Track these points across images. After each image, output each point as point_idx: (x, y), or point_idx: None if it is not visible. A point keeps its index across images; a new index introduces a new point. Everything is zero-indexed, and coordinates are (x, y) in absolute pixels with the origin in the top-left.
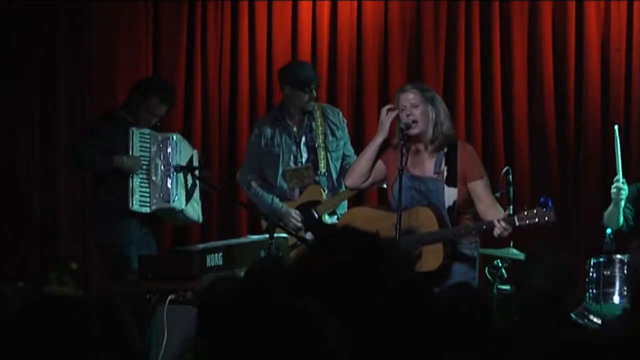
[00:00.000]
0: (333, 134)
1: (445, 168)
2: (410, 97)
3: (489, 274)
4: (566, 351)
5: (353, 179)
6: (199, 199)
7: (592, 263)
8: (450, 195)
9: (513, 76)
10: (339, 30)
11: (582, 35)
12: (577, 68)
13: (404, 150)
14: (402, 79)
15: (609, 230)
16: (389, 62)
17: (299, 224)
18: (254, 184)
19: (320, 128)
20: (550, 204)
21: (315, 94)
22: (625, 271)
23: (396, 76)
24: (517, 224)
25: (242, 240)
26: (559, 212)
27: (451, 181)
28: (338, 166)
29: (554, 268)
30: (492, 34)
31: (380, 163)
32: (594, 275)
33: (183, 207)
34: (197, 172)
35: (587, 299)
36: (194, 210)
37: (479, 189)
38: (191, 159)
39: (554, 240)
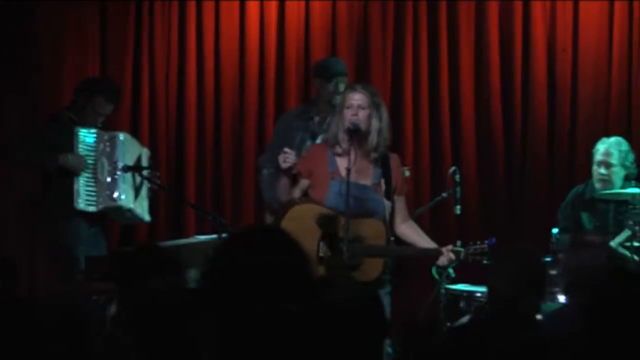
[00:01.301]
0: None
1: (383, 181)
2: (359, 97)
3: (436, 273)
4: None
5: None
6: (146, 197)
7: None
8: (388, 207)
9: (460, 76)
10: (286, 30)
11: (529, 35)
12: (523, 68)
13: (352, 150)
14: (350, 80)
15: (555, 230)
16: None
17: None
18: (265, 172)
19: None
20: (494, 244)
21: (341, 88)
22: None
23: None
24: (462, 257)
25: (190, 240)
26: (506, 212)
27: (388, 195)
28: None
29: (515, 269)
30: (439, 34)
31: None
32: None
33: (131, 205)
34: (144, 172)
35: None
36: (142, 209)
37: (402, 203)
38: (139, 157)
39: (502, 239)
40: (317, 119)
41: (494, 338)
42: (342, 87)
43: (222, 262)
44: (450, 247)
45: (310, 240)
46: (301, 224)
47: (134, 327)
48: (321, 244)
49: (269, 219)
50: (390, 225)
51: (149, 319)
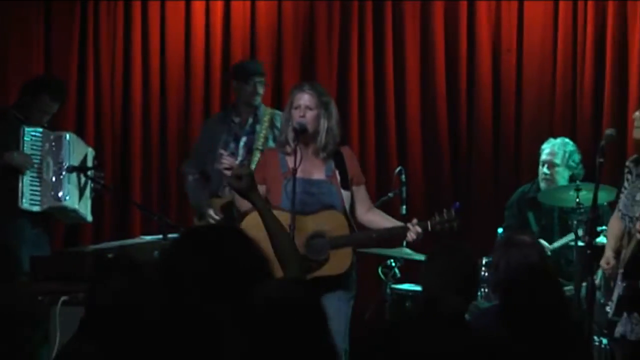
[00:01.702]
0: (274, 140)
1: (337, 171)
2: (306, 97)
3: (382, 273)
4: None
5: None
6: (90, 197)
7: (483, 262)
8: (347, 197)
9: (406, 76)
10: (232, 30)
11: (474, 35)
12: (468, 68)
13: (297, 150)
14: (296, 80)
15: (500, 229)
16: (283, 63)
17: (214, 216)
18: (190, 178)
19: (263, 132)
20: (459, 208)
21: (259, 89)
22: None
23: (290, 77)
24: (429, 228)
25: (136, 240)
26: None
27: (345, 184)
28: None
29: (446, 268)
30: (385, 34)
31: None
32: (486, 274)
33: (75, 206)
34: (89, 172)
35: (480, 297)
36: (86, 209)
37: (362, 192)
38: (85, 157)
39: (445, 239)
40: (238, 120)
41: (418, 337)
42: (260, 87)
43: (177, 261)
44: (415, 221)
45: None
46: (259, 231)
47: (99, 331)
48: None
49: (197, 223)
50: (353, 215)
51: (114, 322)
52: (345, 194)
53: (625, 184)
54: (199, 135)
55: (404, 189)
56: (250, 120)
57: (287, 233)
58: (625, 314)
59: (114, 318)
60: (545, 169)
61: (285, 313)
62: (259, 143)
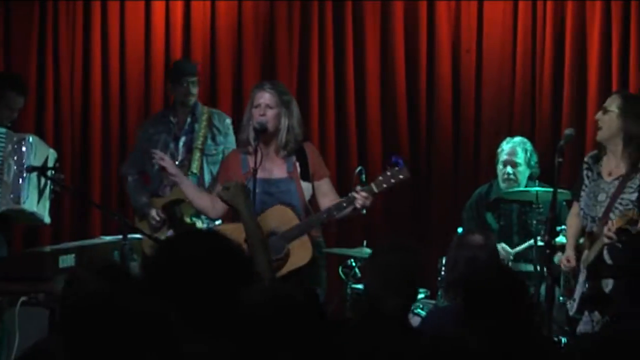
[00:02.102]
0: (214, 139)
1: (298, 164)
2: (266, 96)
3: (342, 273)
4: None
5: (215, 214)
6: (49, 199)
7: (443, 262)
8: (307, 189)
9: (366, 76)
10: (192, 30)
11: (433, 36)
12: (428, 68)
13: (258, 149)
14: (256, 79)
15: (460, 229)
16: (243, 63)
17: (157, 225)
18: (130, 179)
19: (202, 131)
20: (401, 161)
21: (192, 89)
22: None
23: (250, 76)
24: (375, 190)
25: (95, 241)
26: (411, 212)
27: (305, 176)
28: (214, 170)
29: (388, 266)
30: (345, 34)
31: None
32: (445, 273)
33: (34, 208)
34: (50, 173)
35: (439, 297)
36: (44, 211)
37: (326, 186)
38: (46, 160)
39: (407, 239)
40: (175, 120)
41: (358, 337)
42: (193, 88)
43: (164, 263)
44: (358, 188)
45: None
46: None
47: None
48: None
49: (138, 224)
50: (316, 210)
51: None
52: (305, 185)
53: (586, 181)
54: (135, 137)
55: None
56: (189, 119)
57: (266, 248)
58: (586, 313)
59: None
60: (508, 169)
61: (283, 314)
62: (199, 142)
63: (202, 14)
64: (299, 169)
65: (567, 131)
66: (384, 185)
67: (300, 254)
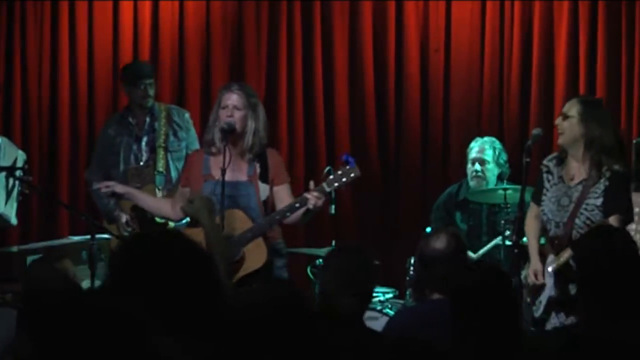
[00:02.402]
0: (175, 135)
1: (258, 165)
2: (234, 98)
3: (311, 273)
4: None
5: (177, 217)
6: (16, 200)
7: (411, 262)
8: (264, 190)
9: (334, 76)
10: (160, 30)
11: (402, 35)
12: (397, 68)
13: (226, 150)
14: (225, 80)
15: (428, 229)
16: (211, 63)
17: (126, 227)
18: (95, 184)
19: (163, 129)
20: (352, 160)
21: (150, 91)
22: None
23: (218, 77)
24: (327, 189)
25: (63, 241)
26: (380, 212)
27: (264, 178)
28: (179, 166)
29: (339, 269)
30: (314, 34)
31: (181, 189)
32: (414, 274)
33: (2, 210)
34: (18, 174)
35: (408, 297)
36: (11, 212)
37: (284, 192)
38: (15, 161)
39: (373, 239)
40: (135, 122)
41: (315, 336)
42: (150, 89)
43: (126, 265)
44: (312, 186)
45: None
46: None
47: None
48: None
49: (107, 227)
50: (272, 211)
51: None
52: (263, 186)
53: (547, 185)
54: (97, 142)
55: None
56: (148, 119)
57: (227, 264)
58: (553, 313)
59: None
60: (476, 166)
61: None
62: (161, 140)
63: (170, 14)
64: (258, 171)
65: (535, 131)
66: (335, 184)
67: (255, 257)
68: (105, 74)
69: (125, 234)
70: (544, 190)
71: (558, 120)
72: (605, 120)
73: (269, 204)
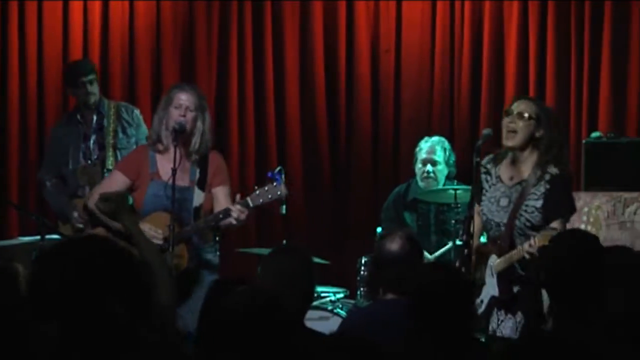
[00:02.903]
0: (124, 132)
1: (198, 170)
2: (188, 98)
3: None
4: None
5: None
6: None
7: (362, 262)
8: (199, 196)
9: (285, 76)
10: (110, 30)
11: (353, 36)
12: (347, 69)
13: (177, 150)
14: (175, 80)
15: (379, 229)
16: (162, 63)
17: (80, 226)
18: (48, 184)
19: (111, 126)
20: (279, 178)
21: (90, 88)
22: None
23: (169, 77)
24: (250, 204)
25: (12, 241)
26: (331, 211)
27: (201, 185)
28: None
29: (278, 270)
30: (265, 34)
31: (119, 176)
32: (365, 273)
33: None
34: None
35: (359, 297)
36: None
37: (222, 194)
38: None
39: (324, 239)
40: (83, 120)
41: (257, 335)
42: (90, 86)
43: (51, 271)
44: (237, 199)
45: None
46: None
47: None
48: None
49: (62, 228)
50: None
51: None
52: (198, 192)
53: (485, 185)
54: (47, 142)
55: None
56: (95, 117)
57: (159, 256)
58: (494, 312)
59: None
60: (428, 167)
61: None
62: (109, 138)
63: (120, 14)
64: (197, 176)
65: (485, 131)
66: (260, 200)
67: (176, 261)
68: (55, 73)
69: (77, 224)
70: (483, 191)
71: (509, 120)
72: (557, 123)
73: (200, 211)
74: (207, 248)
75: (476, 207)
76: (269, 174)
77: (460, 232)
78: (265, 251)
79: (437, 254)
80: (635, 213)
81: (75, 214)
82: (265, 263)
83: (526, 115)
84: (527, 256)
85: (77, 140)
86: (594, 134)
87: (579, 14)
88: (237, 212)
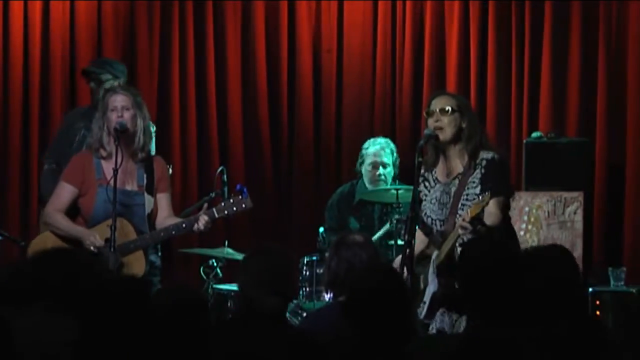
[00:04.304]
0: None
1: (145, 176)
2: (122, 98)
3: (203, 273)
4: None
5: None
6: None
7: (305, 261)
8: (149, 202)
9: (227, 77)
10: (51, 30)
11: (294, 36)
12: (289, 68)
13: (119, 150)
14: None
15: (321, 229)
16: None
17: None
18: (45, 167)
19: None
20: (245, 191)
21: (96, 84)
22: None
23: None
24: (216, 215)
25: None
26: (274, 211)
27: (150, 189)
28: None
29: (259, 270)
30: (206, 34)
31: (67, 187)
32: (307, 273)
33: None
34: None
35: (301, 297)
36: None
37: (164, 201)
38: None
39: (267, 239)
40: None
41: (238, 337)
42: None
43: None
44: (204, 208)
45: None
46: None
47: None
48: None
49: (41, 212)
50: (153, 223)
51: None
52: (148, 198)
53: (425, 191)
54: (59, 127)
55: (225, 189)
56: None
57: None
58: (440, 312)
59: None
60: (380, 170)
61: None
62: None
63: (61, 13)
64: (145, 181)
65: (427, 131)
66: (226, 212)
67: (134, 268)
68: None
69: None
70: (423, 196)
71: (435, 118)
72: (473, 112)
73: (152, 216)
74: (150, 250)
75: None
76: (237, 187)
77: (402, 232)
78: (207, 251)
79: (378, 235)
80: (575, 213)
81: None
82: (244, 264)
83: (448, 109)
84: (461, 232)
85: (85, 134)
86: (535, 134)
87: (519, 14)
88: (204, 223)
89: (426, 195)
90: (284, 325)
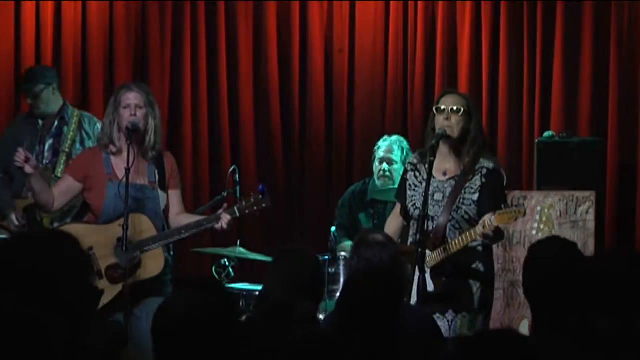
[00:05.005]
0: (82, 143)
1: (156, 172)
2: (136, 96)
3: (216, 272)
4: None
5: (50, 207)
6: None
7: None
8: (163, 198)
9: (239, 76)
10: (63, 30)
11: (306, 36)
12: (301, 68)
13: (131, 149)
14: (128, 80)
15: (333, 229)
16: (115, 63)
17: (15, 223)
18: None
19: (70, 134)
20: (266, 191)
21: (28, 100)
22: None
23: (122, 77)
24: (237, 214)
25: None
26: (286, 210)
27: (162, 185)
28: None
29: (287, 274)
30: (218, 34)
31: (69, 180)
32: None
33: None
34: None
35: None
36: None
37: (176, 196)
38: None
39: (279, 238)
40: (42, 122)
41: (264, 341)
42: (27, 99)
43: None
44: (225, 207)
45: None
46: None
47: None
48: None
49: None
50: (166, 219)
51: None
52: (162, 194)
53: (415, 182)
54: (1, 135)
55: (237, 188)
56: (57, 122)
57: None
58: (435, 317)
59: None
60: (384, 166)
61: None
62: (66, 145)
63: (73, 13)
64: (157, 177)
65: (439, 130)
66: (247, 211)
67: (151, 266)
68: (7, 73)
69: (12, 227)
70: (413, 187)
71: (444, 117)
72: (480, 115)
73: (166, 213)
74: (166, 251)
75: (397, 208)
76: (260, 187)
77: (414, 231)
78: (219, 251)
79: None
80: (587, 212)
81: (13, 216)
82: (272, 268)
83: (460, 109)
84: (480, 238)
85: (32, 141)
86: (547, 134)
87: (531, 14)
88: (225, 221)
89: (416, 187)
90: (317, 325)
